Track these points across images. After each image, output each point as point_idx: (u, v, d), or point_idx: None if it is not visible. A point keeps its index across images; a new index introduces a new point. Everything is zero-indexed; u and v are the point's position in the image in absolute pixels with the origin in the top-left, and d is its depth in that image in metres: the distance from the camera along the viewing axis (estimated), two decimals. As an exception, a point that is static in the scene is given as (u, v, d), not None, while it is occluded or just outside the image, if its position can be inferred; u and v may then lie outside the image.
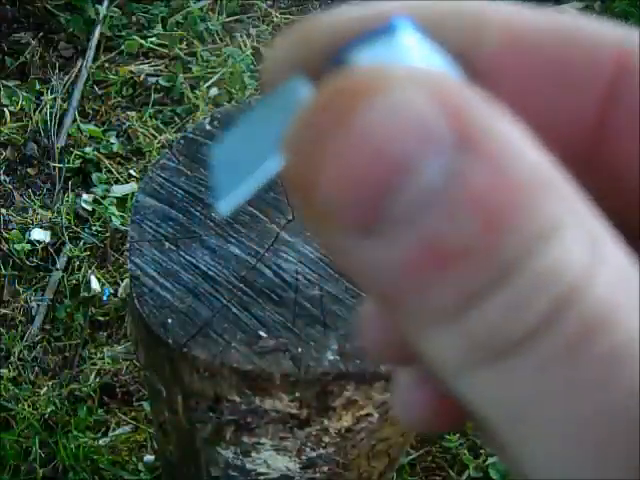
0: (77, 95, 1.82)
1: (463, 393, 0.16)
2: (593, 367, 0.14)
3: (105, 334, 1.45)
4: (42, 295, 1.51)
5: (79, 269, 1.54)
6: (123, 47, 1.91)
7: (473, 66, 0.18)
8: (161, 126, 1.75)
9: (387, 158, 0.15)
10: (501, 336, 0.15)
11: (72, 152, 1.71)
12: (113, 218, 1.57)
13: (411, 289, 0.15)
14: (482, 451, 1.35)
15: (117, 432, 1.33)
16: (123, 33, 1.95)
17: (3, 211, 1.63)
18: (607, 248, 0.15)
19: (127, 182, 1.65)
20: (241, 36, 1.92)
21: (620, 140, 0.18)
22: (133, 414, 1.36)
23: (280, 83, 0.19)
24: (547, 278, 0.14)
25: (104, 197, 1.62)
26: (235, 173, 0.19)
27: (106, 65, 1.90)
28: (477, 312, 0.15)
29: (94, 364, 1.40)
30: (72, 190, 1.66)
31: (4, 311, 1.49)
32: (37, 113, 1.78)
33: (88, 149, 1.71)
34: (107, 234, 1.57)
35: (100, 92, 1.85)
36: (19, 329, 1.47)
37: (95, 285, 1.51)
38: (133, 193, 1.58)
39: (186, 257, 0.77)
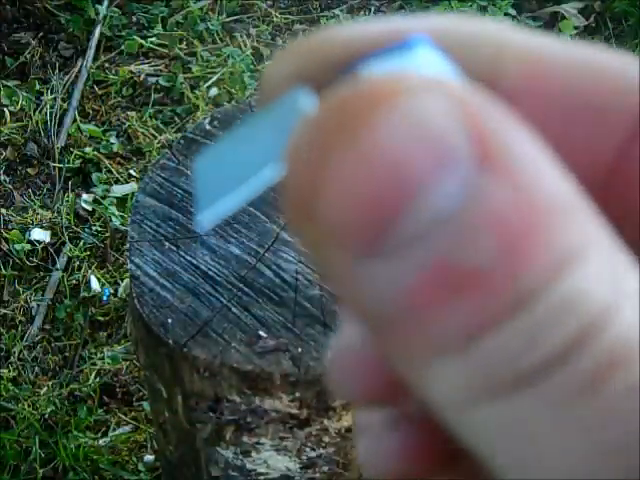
0: (77, 95, 1.82)
1: (465, 430, 0.15)
2: (609, 405, 0.13)
3: (105, 334, 1.45)
4: (42, 295, 1.51)
5: (79, 269, 1.53)
6: (123, 47, 1.91)
7: (490, 91, 0.17)
8: (161, 126, 1.75)
9: (399, 175, 0.13)
10: (514, 368, 0.14)
11: (72, 152, 1.71)
12: (113, 218, 1.57)
13: (416, 316, 0.14)
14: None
15: (117, 432, 1.33)
16: (123, 33, 1.95)
17: (3, 211, 1.63)
18: (629, 279, 0.14)
19: (127, 182, 1.65)
20: (241, 36, 1.92)
21: (635, 172, 0.17)
22: (133, 414, 1.35)
23: (281, 93, 0.18)
24: (567, 308, 0.13)
25: (104, 197, 1.62)
26: (221, 185, 0.17)
27: (106, 65, 1.90)
28: (489, 342, 0.14)
29: (94, 364, 1.40)
30: (72, 190, 1.66)
31: (4, 311, 1.49)
32: (37, 113, 1.78)
33: (88, 149, 1.71)
34: (107, 234, 1.57)
35: (100, 92, 1.85)
36: (19, 329, 1.47)
37: (95, 285, 1.50)
38: (133, 193, 1.58)
39: (186, 257, 0.77)
